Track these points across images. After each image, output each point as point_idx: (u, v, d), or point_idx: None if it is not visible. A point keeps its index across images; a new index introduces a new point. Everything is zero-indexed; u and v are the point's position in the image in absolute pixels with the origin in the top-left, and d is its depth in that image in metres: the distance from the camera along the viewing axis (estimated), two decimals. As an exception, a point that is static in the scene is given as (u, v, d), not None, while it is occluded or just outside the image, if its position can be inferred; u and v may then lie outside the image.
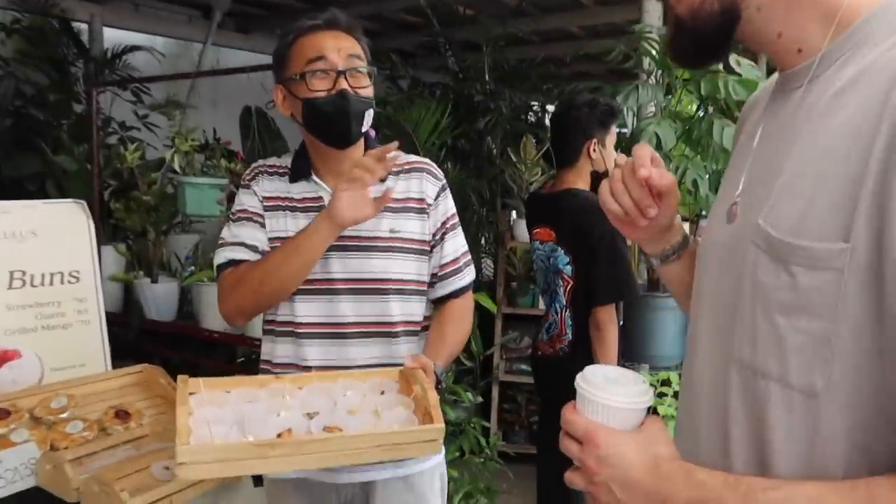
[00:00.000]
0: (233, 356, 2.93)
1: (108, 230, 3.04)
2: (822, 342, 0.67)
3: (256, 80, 4.94)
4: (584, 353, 2.44)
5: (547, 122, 7.40)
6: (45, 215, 1.94)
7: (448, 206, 1.64)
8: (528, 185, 3.83)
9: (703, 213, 3.52)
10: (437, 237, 1.63)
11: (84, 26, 5.44)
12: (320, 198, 1.58)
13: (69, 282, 1.94)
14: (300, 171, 1.61)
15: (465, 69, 4.42)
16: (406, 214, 1.59)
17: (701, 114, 3.17)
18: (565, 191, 2.55)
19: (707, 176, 3.03)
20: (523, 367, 4.04)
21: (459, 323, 1.64)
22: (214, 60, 6.11)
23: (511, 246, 4.07)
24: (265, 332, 1.66)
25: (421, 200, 1.60)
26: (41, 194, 3.55)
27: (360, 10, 6.10)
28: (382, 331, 1.57)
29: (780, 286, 0.70)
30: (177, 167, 2.74)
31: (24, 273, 1.85)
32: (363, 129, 1.55)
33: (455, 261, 1.65)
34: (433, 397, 1.28)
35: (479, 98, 4.09)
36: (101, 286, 1.98)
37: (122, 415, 1.61)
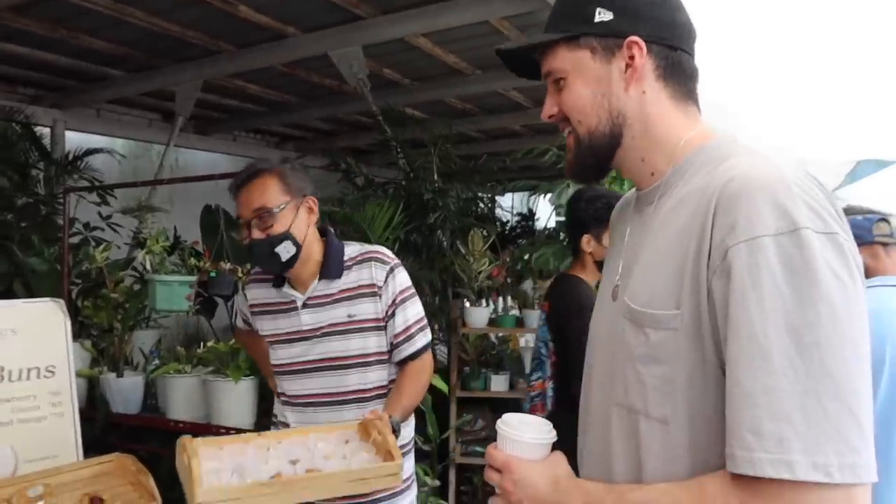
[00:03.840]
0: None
1: (74, 327, 3.12)
2: (667, 382, 0.90)
3: (218, 182, 5.16)
4: (560, 424, 2.56)
5: (497, 213, 7.78)
6: (24, 313, 2.05)
7: (397, 283, 1.94)
8: (477, 274, 4.06)
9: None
10: (389, 313, 1.91)
11: (46, 130, 5.63)
12: (293, 301, 1.95)
13: (45, 376, 2.03)
14: (279, 281, 1.99)
15: (415, 168, 4.71)
16: (360, 300, 1.90)
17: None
18: (563, 275, 2.80)
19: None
20: (478, 448, 4.16)
21: (414, 381, 1.92)
22: (174, 160, 6.32)
23: (463, 332, 4.25)
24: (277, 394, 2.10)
25: (372, 285, 1.91)
26: (9, 294, 3.63)
27: (316, 113, 6.46)
28: (355, 398, 1.91)
29: (639, 344, 0.93)
30: (147, 266, 2.90)
31: (2, 369, 1.94)
32: (283, 260, 1.87)
33: (406, 329, 1.92)
34: (391, 440, 1.58)
35: (427, 196, 4.36)
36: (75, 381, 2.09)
37: (97, 501, 1.70)
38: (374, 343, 1.91)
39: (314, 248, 1.93)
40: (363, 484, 1.52)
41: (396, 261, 1.96)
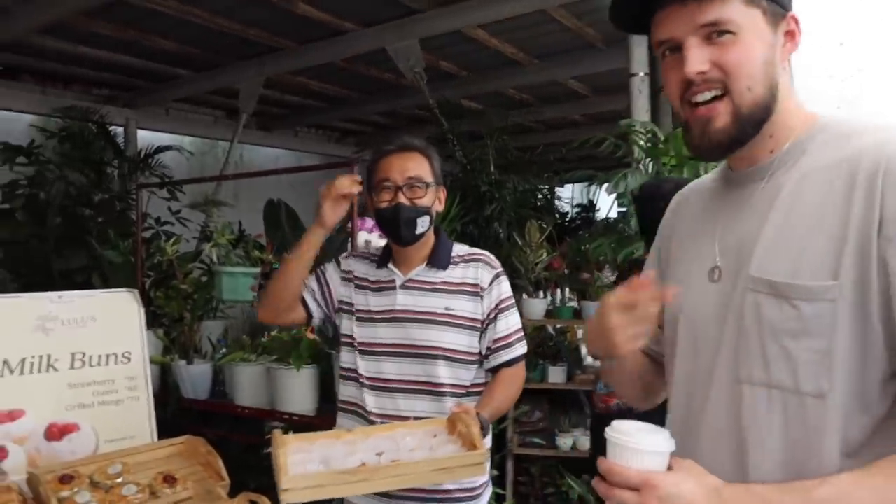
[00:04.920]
0: (262, 430, 3.12)
1: (147, 317, 3.27)
2: (824, 356, 0.87)
3: (281, 176, 5.31)
4: (633, 412, 2.61)
5: (556, 204, 7.72)
6: (102, 303, 2.17)
7: (502, 290, 1.92)
8: (534, 265, 4.06)
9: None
10: (491, 316, 1.90)
11: (120, 129, 5.89)
12: (392, 280, 1.95)
13: (122, 362, 2.14)
14: (383, 259, 1.99)
15: (472, 160, 4.73)
16: (461, 296, 1.90)
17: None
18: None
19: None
20: (535, 440, 4.17)
21: (507, 386, 1.90)
22: (238, 156, 6.52)
23: (521, 323, 4.24)
24: (342, 376, 2.04)
25: (475, 285, 1.90)
26: (87, 285, 3.84)
27: (375, 108, 6.55)
28: (434, 390, 1.88)
29: (787, 318, 0.90)
30: (214, 258, 3.02)
31: (84, 355, 2.06)
32: (417, 232, 1.87)
33: (507, 336, 1.91)
34: (475, 431, 1.55)
35: (484, 188, 4.38)
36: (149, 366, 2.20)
37: (170, 479, 1.79)
38: (465, 341, 1.88)
39: (430, 236, 1.95)
40: (447, 473, 1.49)
41: (502, 268, 1.97)
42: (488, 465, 1.83)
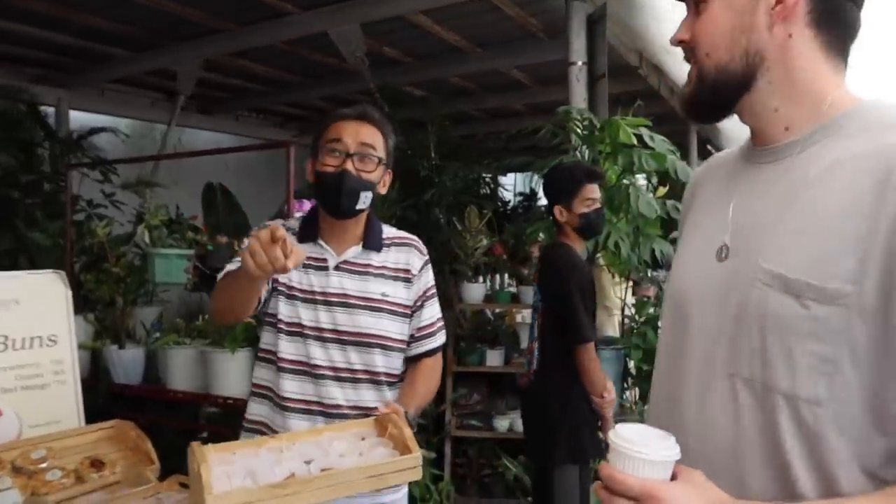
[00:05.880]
0: (196, 415, 3.10)
1: (78, 301, 3.21)
2: (827, 362, 0.82)
3: (219, 159, 5.24)
4: (547, 382, 2.78)
5: (499, 192, 7.82)
6: (28, 284, 2.12)
7: (429, 277, 1.88)
8: (473, 250, 4.12)
9: (630, 273, 3.85)
10: (418, 304, 1.85)
11: (51, 110, 5.70)
12: (325, 259, 1.80)
13: (47, 345, 2.09)
14: (307, 233, 1.83)
15: (413, 146, 4.75)
16: (396, 282, 1.82)
17: (626, 181, 3.54)
18: (549, 244, 3.07)
19: (628, 238, 3.37)
20: (473, 422, 4.25)
21: (429, 378, 1.86)
22: (176, 139, 6.38)
23: (460, 308, 4.32)
24: (259, 358, 1.88)
25: (408, 271, 1.83)
26: (14, 268, 3.71)
27: (317, 92, 6.49)
28: (370, 378, 1.78)
29: (793, 316, 0.84)
30: (147, 240, 2.98)
31: (6, 338, 2.00)
32: (357, 207, 1.76)
33: (430, 325, 1.87)
34: (408, 433, 1.51)
35: (424, 173, 4.40)
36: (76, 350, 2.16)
37: (97, 464, 1.77)
38: (397, 328, 1.81)
39: (363, 214, 1.84)
40: (381, 480, 1.44)
41: (428, 255, 1.91)
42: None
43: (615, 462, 0.85)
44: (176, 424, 3.17)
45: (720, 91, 0.95)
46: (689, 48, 0.97)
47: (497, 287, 4.41)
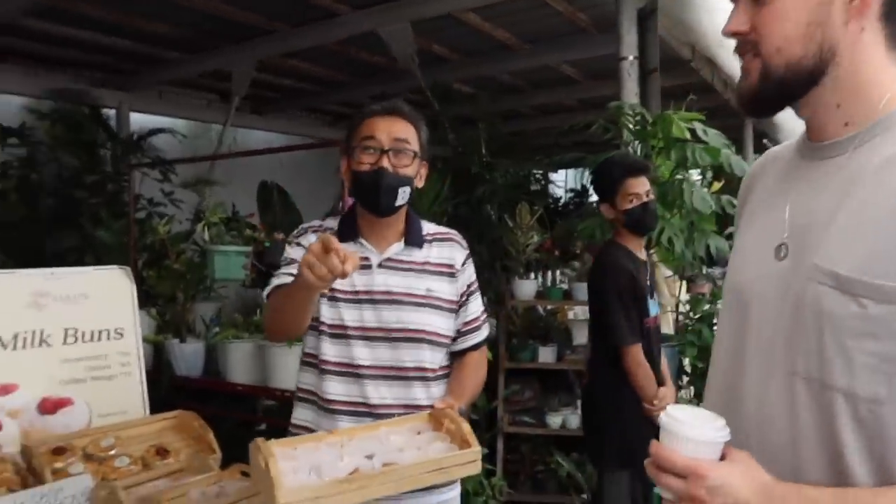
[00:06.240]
0: (254, 407, 3.18)
1: (140, 296, 3.31)
2: (885, 361, 0.80)
3: (272, 158, 5.33)
4: (596, 381, 2.80)
5: (550, 189, 7.78)
6: (95, 280, 2.19)
7: (472, 271, 1.86)
8: (525, 247, 4.11)
9: (685, 269, 3.79)
10: (463, 298, 1.83)
11: (112, 112, 5.89)
12: (367, 258, 1.76)
13: (114, 338, 2.17)
14: (347, 233, 1.80)
15: (464, 143, 4.76)
16: (440, 277, 1.80)
17: (679, 177, 3.48)
18: (603, 243, 3.04)
19: (682, 234, 3.32)
20: (526, 419, 4.24)
21: (476, 372, 1.85)
22: (231, 139, 6.53)
23: (511, 304, 4.31)
24: (302, 363, 1.87)
25: (451, 266, 1.82)
26: (80, 265, 3.84)
27: (368, 91, 6.56)
28: (420, 375, 1.76)
29: (849, 315, 0.82)
30: (206, 237, 3.06)
31: (76, 330, 2.08)
32: (396, 203, 1.73)
33: (475, 319, 1.86)
34: (466, 427, 1.50)
35: (475, 170, 4.41)
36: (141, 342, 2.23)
37: (162, 452, 1.83)
38: (444, 323, 1.79)
39: (403, 210, 1.81)
40: (444, 473, 1.45)
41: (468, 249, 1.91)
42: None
43: (666, 441, 0.87)
44: (235, 416, 3.25)
45: (787, 87, 0.92)
46: (749, 41, 0.93)
47: (549, 283, 4.38)
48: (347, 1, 4.38)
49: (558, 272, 4.39)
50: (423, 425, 1.63)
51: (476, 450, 1.47)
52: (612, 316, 2.65)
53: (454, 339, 1.84)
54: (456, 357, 1.86)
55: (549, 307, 4.68)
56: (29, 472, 1.66)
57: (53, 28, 4.76)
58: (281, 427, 2.00)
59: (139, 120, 6.09)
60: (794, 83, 0.91)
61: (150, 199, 4.38)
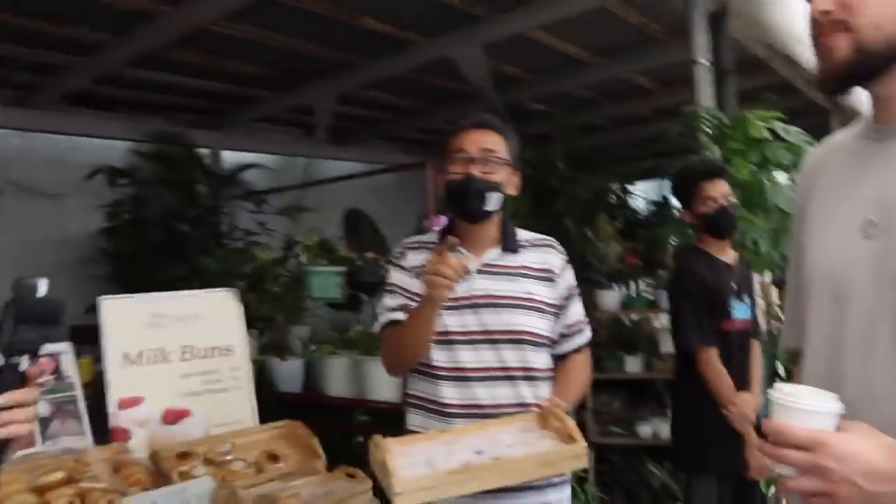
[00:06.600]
0: (351, 419, 3.31)
1: (243, 319, 3.53)
2: None
3: (354, 186, 5.53)
4: (678, 387, 2.83)
5: (630, 201, 7.69)
6: (206, 302, 2.37)
7: (571, 276, 1.93)
8: (605, 257, 4.12)
9: (774, 271, 3.70)
10: (564, 302, 1.90)
11: (206, 151, 6.26)
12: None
13: (225, 354, 2.35)
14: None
15: (541, 159, 4.81)
16: (539, 281, 1.87)
17: (762, 178, 3.43)
18: (685, 246, 3.10)
19: (767, 235, 3.27)
20: (615, 429, 4.21)
21: (580, 373, 1.93)
22: (314, 171, 6.80)
23: (595, 315, 4.31)
24: (414, 370, 1.94)
25: (549, 270, 1.88)
26: (190, 291, 4.14)
27: (443, 116, 6.70)
28: (526, 375, 1.83)
29: None
30: (304, 259, 3.24)
31: (192, 347, 2.26)
32: (487, 208, 1.81)
33: (577, 322, 1.93)
34: (571, 424, 1.59)
35: (554, 184, 4.46)
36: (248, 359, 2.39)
37: (273, 457, 1.97)
38: (545, 325, 1.85)
39: (497, 217, 1.89)
40: (551, 466, 1.53)
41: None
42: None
43: (780, 417, 0.86)
44: (334, 427, 3.39)
45: (879, 62, 0.93)
46: (838, 20, 0.93)
47: (633, 294, 4.37)
48: (417, 30, 4.51)
49: (641, 282, 4.37)
50: (531, 424, 1.71)
51: (582, 445, 1.54)
52: (678, 318, 2.68)
53: (557, 343, 1.91)
54: (560, 360, 1.93)
55: (633, 317, 4.65)
56: (157, 474, 1.83)
57: (152, 75, 5.12)
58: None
59: (229, 157, 6.44)
60: (885, 58, 0.92)
61: (245, 229, 4.64)
